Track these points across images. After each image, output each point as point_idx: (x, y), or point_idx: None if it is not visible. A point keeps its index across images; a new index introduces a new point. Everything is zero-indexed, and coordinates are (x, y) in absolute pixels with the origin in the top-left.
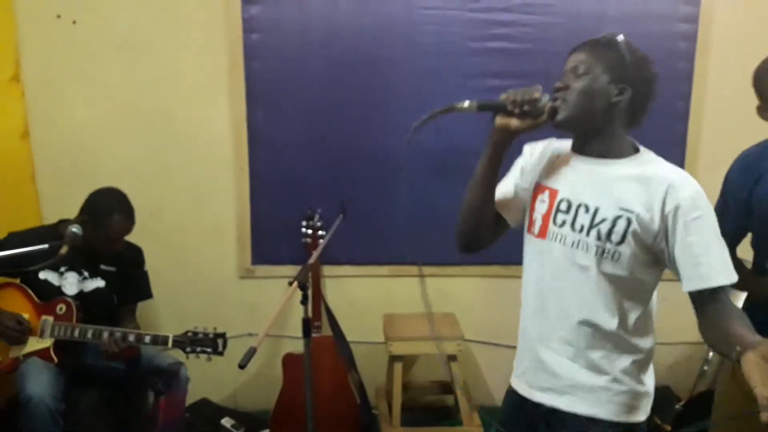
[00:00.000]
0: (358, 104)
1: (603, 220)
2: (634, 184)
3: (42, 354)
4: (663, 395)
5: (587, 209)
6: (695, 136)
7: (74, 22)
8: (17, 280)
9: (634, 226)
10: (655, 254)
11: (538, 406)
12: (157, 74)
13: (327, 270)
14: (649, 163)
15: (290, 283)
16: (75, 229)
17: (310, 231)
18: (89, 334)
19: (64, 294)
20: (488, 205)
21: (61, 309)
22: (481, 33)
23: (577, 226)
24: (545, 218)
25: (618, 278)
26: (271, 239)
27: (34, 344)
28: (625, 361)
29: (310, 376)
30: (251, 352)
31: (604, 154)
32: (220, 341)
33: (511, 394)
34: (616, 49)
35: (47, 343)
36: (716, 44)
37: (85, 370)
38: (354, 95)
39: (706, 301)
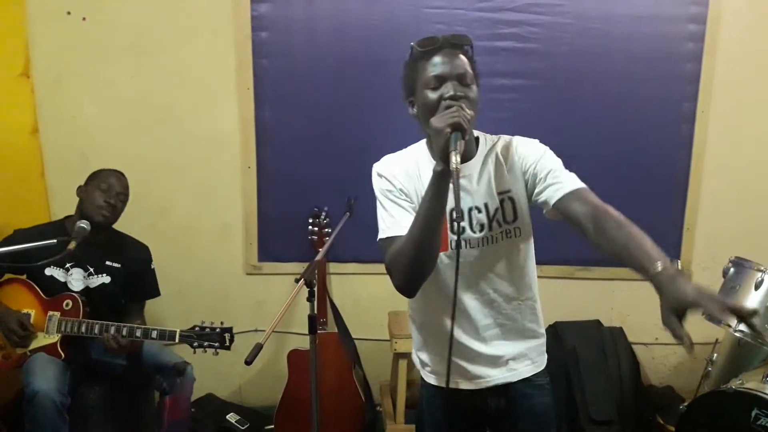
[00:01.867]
0: (365, 103)
1: (496, 210)
2: (498, 166)
3: (49, 349)
4: (667, 396)
5: (479, 209)
6: (701, 138)
7: (84, 19)
8: (24, 277)
9: (517, 200)
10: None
11: (480, 392)
12: (165, 72)
13: (333, 267)
14: (490, 143)
15: (297, 281)
16: (83, 224)
17: (316, 229)
18: (96, 330)
19: (70, 290)
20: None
21: (67, 305)
22: (488, 32)
23: (476, 227)
24: (444, 232)
25: (525, 246)
26: (278, 237)
27: (41, 340)
28: (537, 314)
29: (316, 373)
30: (257, 349)
31: (467, 157)
32: (227, 336)
33: (445, 399)
34: (472, 54)
35: (54, 338)
36: (724, 45)
37: (92, 366)
38: (361, 94)
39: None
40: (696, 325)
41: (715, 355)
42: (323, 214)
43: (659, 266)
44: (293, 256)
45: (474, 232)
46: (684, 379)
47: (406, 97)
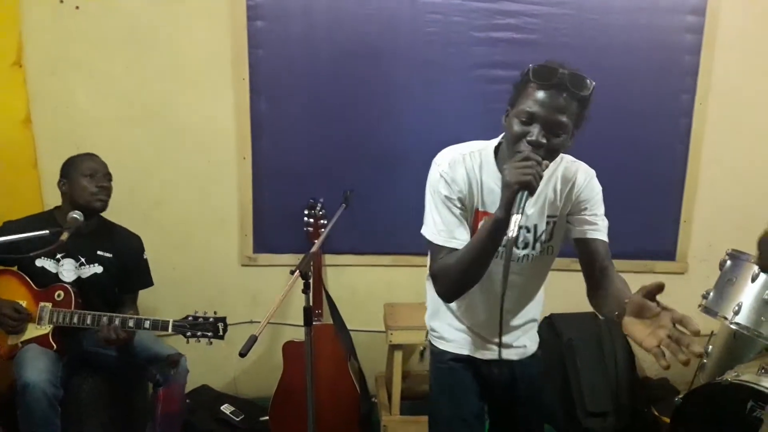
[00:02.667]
0: (361, 94)
1: (542, 232)
2: (552, 192)
3: (41, 341)
4: (662, 388)
5: (528, 229)
6: (699, 131)
7: (77, 8)
8: (15, 268)
9: (560, 223)
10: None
11: (490, 362)
12: (160, 62)
13: (328, 259)
14: (553, 165)
15: (292, 272)
16: (76, 214)
17: (312, 220)
18: (88, 321)
19: (61, 281)
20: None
21: (59, 295)
22: (486, 23)
23: (521, 244)
24: None
25: (552, 259)
26: (273, 228)
27: (32, 331)
28: (542, 306)
29: (312, 364)
30: (252, 341)
31: None
32: (220, 325)
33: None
34: (589, 97)
35: (46, 329)
36: (722, 37)
37: (85, 358)
38: (358, 85)
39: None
40: (692, 318)
41: (711, 347)
42: (319, 205)
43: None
44: (289, 248)
45: (518, 249)
46: (679, 372)
47: (507, 104)
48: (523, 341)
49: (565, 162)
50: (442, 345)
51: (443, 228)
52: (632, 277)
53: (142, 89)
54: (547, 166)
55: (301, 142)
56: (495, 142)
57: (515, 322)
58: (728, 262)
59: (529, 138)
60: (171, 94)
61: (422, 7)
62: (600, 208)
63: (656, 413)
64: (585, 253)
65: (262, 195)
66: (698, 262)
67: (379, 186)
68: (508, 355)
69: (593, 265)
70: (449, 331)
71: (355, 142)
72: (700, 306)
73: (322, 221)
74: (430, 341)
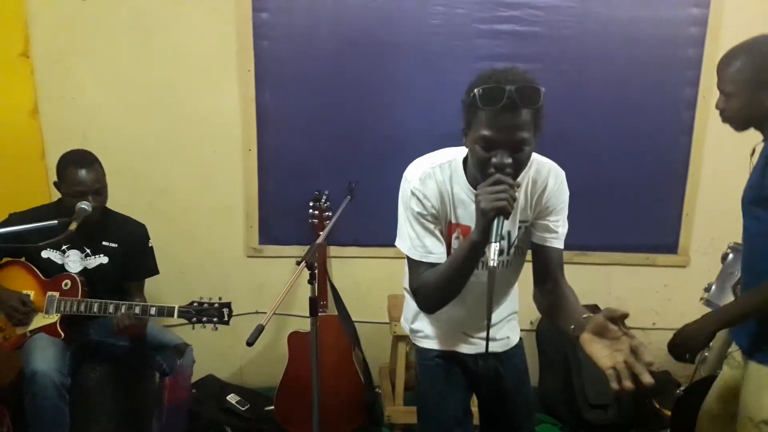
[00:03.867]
0: (366, 85)
1: (515, 238)
2: (523, 200)
3: (49, 330)
4: (663, 381)
5: (502, 237)
6: (702, 124)
7: None
8: (21, 259)
9: (529, 226)
10: None
11: (475, 356)
12: (166, 53)
13: (333, 251)
14: (523, 172)
15: (298, 263)
16: (84, 205)
17: (317, 212)
18: (95, 309)
19: (67, 272)
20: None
21: (66, 285)
22: (489, 15)
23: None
24: None
25: (523, 259)
26: (279, 219)
27: (40, 320)
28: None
29: (317, 355)
30: (259, 330)
31: None
32: (225, 311)
33: (447, 359)
34: (542, 104)
35: (53, 318)
36: (727, 30)
37: (93, 347)
38: (362, 76)
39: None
40: (693, 311)
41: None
42: (324, 197)
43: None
44: (294, 239)
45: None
46: (680, 365)
47: (463, 123)
48: (505, 332)
49: (536, 164)
50: (426, 343)
51: (419, 243)
52: (634, 270)
53: (148, 80)
54: (519, 185)
55: (306, 134)
56: (464, 152)
57: (496, 318)
58: (730, 256)
59: (494, 161)
60: (177, 85)
61: None
62: (563, 213)
63: (657, 406)
64: (540, 259)
65: (268, 186)
66: (700, 256)
67: (383, 178)
68: (493, 347)
69: (546, 272)
70: (432, 329)
71: (359, 134)
72: (701, 299)
73: (327, 213)
74: (413, 341)
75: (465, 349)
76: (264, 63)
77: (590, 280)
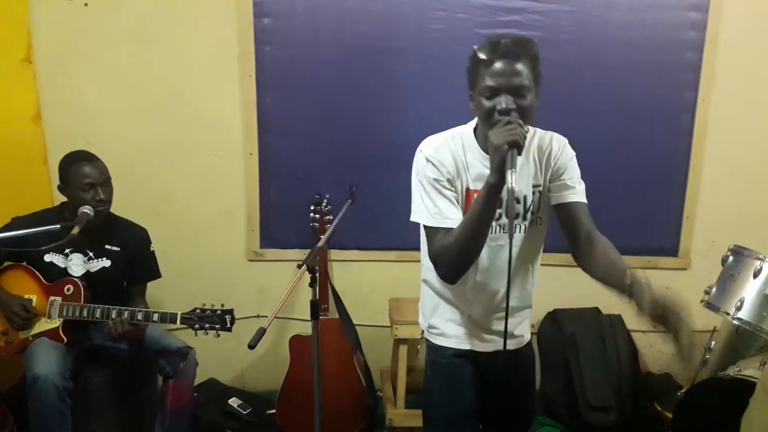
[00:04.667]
0: (367, 90)
1: (531, 203)
2: (533, 163)
3: (51, 334)
4: (665, 383)
5: (518, 200)
6: (702, 127)
7: (86, 5)
8: (24, 263)
9: (543, 192)
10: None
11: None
12: (168, 58)
13: (334, 254)
14: (529, 137)
15: (299, 267)
16: (86, 209)
17: (318, 216)
18: (98, 314)
19: (70, 276)
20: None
21: (68, 289)
22: (490, 20)
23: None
24: None
25: (543, 232)
26: (280, 223)
27: (42, 324)
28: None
29: (318, 358)
30: (260, 333)
31: None
32: (228, 317)
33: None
34: (537, 54)
35: (56, 323)
36: (725, 34)
37: (95, 351)
38: (363, 81)
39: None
40: (694, 314)
41: (713, 342)
42: (325, 201)
43: (628, 279)
44: (295, 243)
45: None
46: (682, 367)
47: (468, 89)
48: (521, 330)
49: (539, 134)
50: (441, 341)
51: (435, 210)
52: None
53: (150, 85)
54: (527, 130)
55: (308, 139)
56: (472, 124)
57: (515, 302)
58: (730, 258)
59: (499, 108)
60: (178, 89)
61: (427, 4)
62: (576, 172)
63: (659, 408)
64: (567, 218)
65: (269, 191)
66: (701, 258)
67: (384, 182)
68: (508, 345)
69: (578, 231)
70: (449, 326)
71: (360, 138)
72: (702, 301)
73: (328, 217)
74: (427, 339)
75: (481, 347)
76: (265, 68)
77: (591, 283)
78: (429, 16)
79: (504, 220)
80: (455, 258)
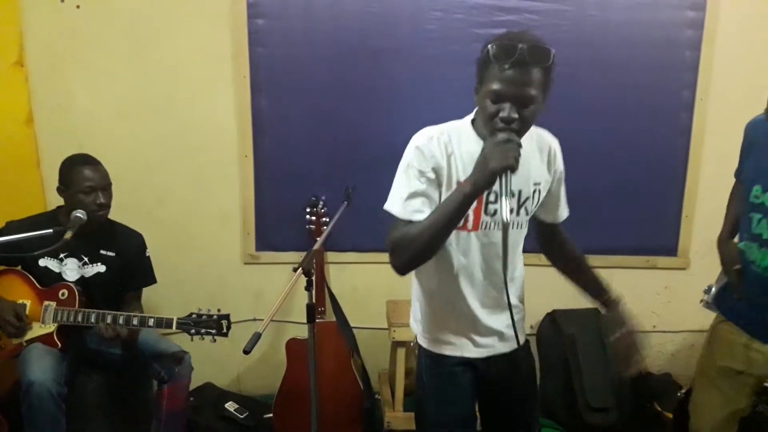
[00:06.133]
0: (362, 91)
1: (527, 199)
2: (535, 156)
3: (45, 339)
4: (664, 383)
5: (512, 194)
6: (700, 126)
7: (78, 7)
8: (18, 268)
9: (542, 192)
10: None
11: (482, 360)
12: (161, 60)
13: (331, 256)
14: (531, 133)
15: (295, 270)
16: (79, 213)
17: (314, 218)
18: (92, 319)
19: (65, 280)
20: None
21: (63, 294)
22: (487, 20)
23: (507, 209)
24: (477, 212)
25: (526, 223)
26: (276, 226)
27: (37, 330)
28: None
29: (315, 362)
30: (256, 338)
31: None
32: (224, 323)
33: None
34: (552, 65)
35: (50, 328)
36: (723, 32)
37: (89, 356)
38: (359, 82)
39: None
40: (693, 313)
41: None
42: (321, 203)
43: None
44: (291, 246)
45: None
46: (681, 367)
47: (476, 80)
48: (508, 330)
49: (536, 132)
50: (439, 349)
51: (408, 202)
52: (634, 273)
53: (143, 88)
54: (521, 146)
55: (303, 140)
56: (470, 116)
57: (495, 306)
58: None
59: (501, 115)
60: (172, 92)
61: (423, 4)
62: (563, 186)
63: (659, 408)
64: (549, 233)
65: (264, 193)
66: (700, 258)
67: (380, 183)
68: (503, 348)
69: (552, 241)
70: (448, 335)
71: (356, 140)
72: (701, 301)
73: (324, 219)
74: (422, 345)
75: (475, 353)
76: (260, 69)
77: None
78: (425, 17)
79: (498, 216)
80: (414, 253)
